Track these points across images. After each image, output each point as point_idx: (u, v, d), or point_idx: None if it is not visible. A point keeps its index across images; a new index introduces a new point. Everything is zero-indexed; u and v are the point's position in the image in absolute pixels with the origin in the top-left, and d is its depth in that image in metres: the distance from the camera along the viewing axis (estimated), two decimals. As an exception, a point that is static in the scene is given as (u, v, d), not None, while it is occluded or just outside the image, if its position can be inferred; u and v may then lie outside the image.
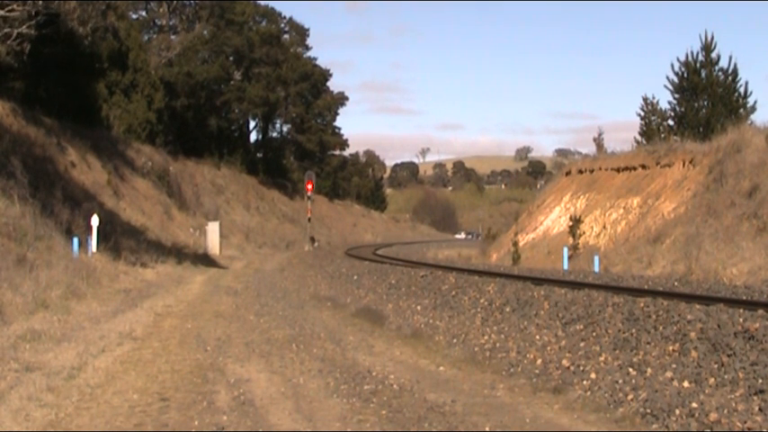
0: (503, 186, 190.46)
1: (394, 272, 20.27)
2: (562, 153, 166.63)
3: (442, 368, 9.66)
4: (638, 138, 37.47)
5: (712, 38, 35.14)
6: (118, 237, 25.12)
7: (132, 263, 23.01)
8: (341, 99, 77.55)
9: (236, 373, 9.20)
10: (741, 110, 34.19)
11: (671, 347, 8.71)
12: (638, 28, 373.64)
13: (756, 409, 6.73)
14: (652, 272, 20.63)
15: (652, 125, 37.17)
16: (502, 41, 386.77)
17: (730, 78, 34.84)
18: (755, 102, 46.62)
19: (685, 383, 7.65)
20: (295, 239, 51.79)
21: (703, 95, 35.12)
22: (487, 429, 6.85)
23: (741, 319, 8.88)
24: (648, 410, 7.07)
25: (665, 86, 36.06)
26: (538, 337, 10.64)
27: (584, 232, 29.15)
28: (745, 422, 6.49)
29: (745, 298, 11.91)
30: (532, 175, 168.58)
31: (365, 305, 15.91)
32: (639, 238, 25.60)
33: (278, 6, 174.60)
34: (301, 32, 73.46)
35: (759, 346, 7.98)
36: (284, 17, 71.45)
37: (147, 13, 57.62)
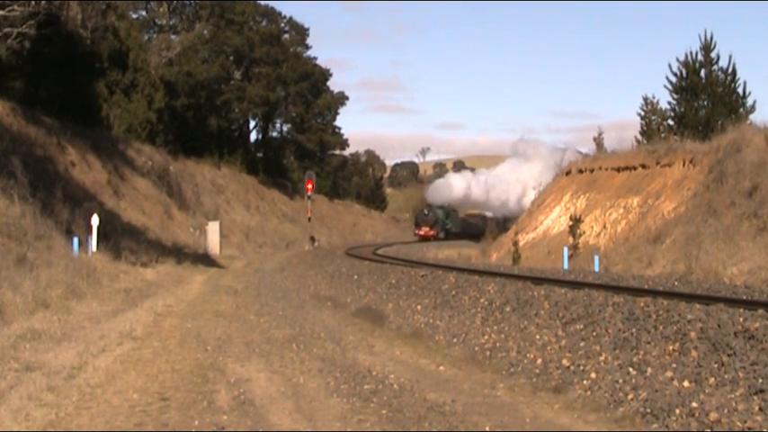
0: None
1: (394, 271, 20.27)
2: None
3: (442, 368, 9.66)
4: (639, 137, 37.50)
5: (711, 37, 35.19)
6: (118, 236, 25.12)
7: (132, 262, 22.99)
8: (341, 99, 77.45)
9: (236, 373, 9.20)
10: (741, 109, 34.21)
11: (671, 347, 8.71)
12: (639, 28, 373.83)
13: (756, 408, 6.73)
14: (652, 271, 20.62)
15: (652, 125, 37.18)
16: (502, 40, 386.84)
17: (730, 78, 34.87)
18: (755, 101, 46.68)
19: (685, 383, 7.65)
20: (295, 239, 51.77)
21: (703, 95, 35.14)
22: (487, 429, 6.85)
23: (741, 319, 8.89)
24: (648, 410, 7.07)
25: (665, 86, 36.13)
26: (538, 336, 10.64)
27: (584, 232, 29.15)
28: (745, 422, 6.49)
29: (745, 298, 11.92)
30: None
31: (365, 305, 15.92)
32: (639, 238, 25.59)
33: (278, 6, 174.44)
34: (301, 32, 73.35)
35: (759, 346, 7.99)
36: (284, 17, 71.36)
37: (147, 13, 57.57)
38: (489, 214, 79.11)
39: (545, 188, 39.36)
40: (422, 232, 68.88)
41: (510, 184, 74.83)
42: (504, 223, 61.61)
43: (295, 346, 11.06)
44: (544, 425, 7.04)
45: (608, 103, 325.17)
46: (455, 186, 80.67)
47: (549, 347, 9.96)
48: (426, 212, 71.49)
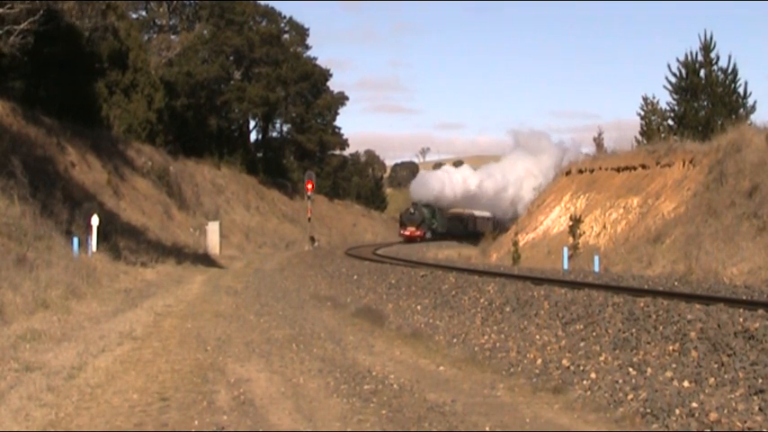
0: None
1: (394, 272, 20.28)
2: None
3: (442, 368, 9.66)
4: (639, 137, 37.54)
5: (711, 37, 35.22)
6: (118, 237, 25.13)
7: (132, 263, 23.00)
8: (341, 99, 77.45)
9: (236, 373, 9.20)
10: (741, 109, 34.24)
11: (671, 347, 8.72)
12: (639, 28, 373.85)
13: (756, 408, 6.73)
14: (652, 272, 20.63)
15: (652, 125, 37.21)
16: (502, 40, 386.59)
17: (730, 78, 34.88)
18: (755, 102, 46.69)
19: (685, 383, 7.65)
20: (295, 239, 51.78)
21: (703, 95, 35.16)
22: (487, 429, 6.85)
23: (741, 319, 8.90)
24: (648, 410, 7.07)
25: (665, 87, 36.16)
26: (538, 336, 10.65)
27: (584, 232, 29.17)
28: (745, 422, 6.49)
29: (745, 298, 11.93)
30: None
31: (365, 305, 15.92)
32: (639, 238, 25.61)
33: (278, 6, 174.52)
34: (301, 32, 73.38)
35: (759, 346, 8.00)
36: (284, 17, 71.42)
37: (147, 13, 57.64)
38: (480, 213, 77.11)
39: (545, 188, 39.39)
40: (407, 232, 64.86)
41: (522, 180, 70.11)
42: (504, 223, 60.70)
43: (295, 347, 11.05)
44: (544, 425, 7.03)
45: (608, 103, 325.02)
46: (437, 181, 74.80)
47: (549, 347, 9.96)
48: (412, 211, 67.01)
